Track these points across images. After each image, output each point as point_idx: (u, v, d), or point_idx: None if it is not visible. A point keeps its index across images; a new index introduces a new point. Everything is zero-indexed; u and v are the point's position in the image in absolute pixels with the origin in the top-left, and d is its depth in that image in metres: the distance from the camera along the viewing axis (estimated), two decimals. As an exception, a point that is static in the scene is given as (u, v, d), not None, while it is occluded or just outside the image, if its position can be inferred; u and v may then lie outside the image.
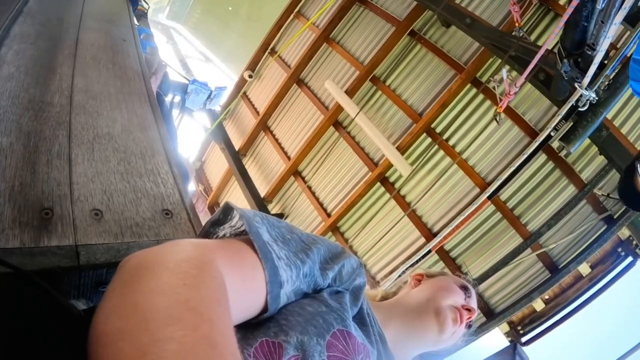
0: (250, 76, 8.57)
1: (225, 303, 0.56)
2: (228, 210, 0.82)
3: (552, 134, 4.04)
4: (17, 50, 1.61)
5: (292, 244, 0.82)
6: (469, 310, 1.19)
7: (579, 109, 3.62)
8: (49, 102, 1.37)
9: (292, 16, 8.20)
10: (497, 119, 4.24)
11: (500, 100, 4.13)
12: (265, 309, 0.74)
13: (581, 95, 3.42)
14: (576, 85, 3.37)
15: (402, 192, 6.05)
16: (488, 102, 5.41)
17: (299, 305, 0.81)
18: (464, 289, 1.27)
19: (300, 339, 0.74)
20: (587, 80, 3.20)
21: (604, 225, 4.54)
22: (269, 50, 8.47)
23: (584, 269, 4.71)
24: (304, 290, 0.82)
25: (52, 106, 1.36)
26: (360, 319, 0.92)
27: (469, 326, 1.22)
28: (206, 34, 18.05)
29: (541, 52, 3.45)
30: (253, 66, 8.61)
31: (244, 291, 0.69)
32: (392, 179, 6.20)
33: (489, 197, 4.80)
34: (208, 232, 0.86)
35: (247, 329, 0.74)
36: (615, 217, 4.47)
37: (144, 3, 4.62)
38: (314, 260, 0.84)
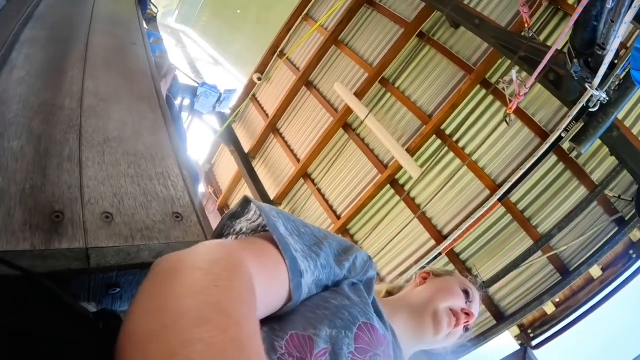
0: (259, 79, 8.60)
1: (254, 304, 0.57)
2: (246, 203, 0.85)
3: (562, 135, 4.00)
4: (28, 55, 1.63)
5: (306, 237, 0.85)
6: (467, 314, 1.21)
7: (590, 110, 3.59)
8: (60, 106, 1.38)
9: (300, 19, 8.23)
10: (507, 120, 4.21)
11: (510, 101, 4.11)
12: (289, 300, 0.75)
13: (592, 96, 3.38)
14: (587, 85, 3.34)
15: (412, 195, 6.03)
16: (498, 104, 5.38)
17: (323, 299, 0.83)
18: (466, 292, 1.28)
19: (329, 332, 0.77)
20: (597, 80, 3.17)
21: (615, 227, 4.49)
22: (277, 52, 8.50)
23: (595, 271, 4.65)
24: (323, 281, 0.85)
25: (63, 109, 1.36)
26: (376, 312, 0.93)
27: (466, 329, 1.25)
28: (215, 37, 18.14)
29: (551, 52, 3.42)
30: (262, 69, 8.65)
31: (270, 286, 0.71)
32: (402, 181, 6.18)
33: (500, 200, 4.78)
34: (225, 225, 0.88)
35: (275, 322, 0.76)
36: (626, 219, 4.42)
37: (153, 7, 4.65)
38: (327, 253, 0.86)
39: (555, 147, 4.30)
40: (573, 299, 4.79)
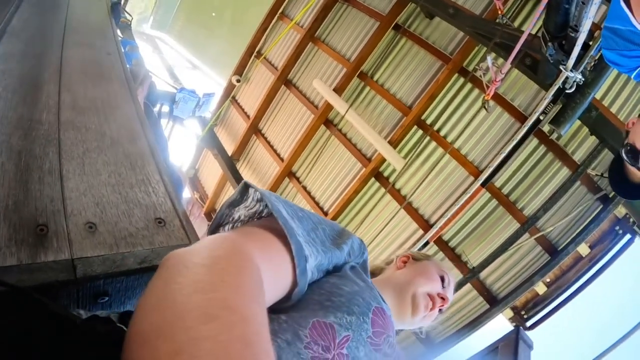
0: (238, 80, 8.58)
1: (262, 298, 0.57)
2: (245, 189, 0.86)
3: (541, 117, 4.07)
4: (4, 70, 1.62)
5: (305, 222, 0.86)
6: (442, 298, 1.28)
7: (567, 91, 3.65)
8: (38, 120, 1.38)
9: (276, 18, 8.23)
10: (486, 106, 4.26)
11: (488, 87, 4.16)
12: (294, 286, 0.76)
13: (567, 77, 3.44)
14: (561, 67, 3.40)
15: (397, 186, 6.08)
16: (476, 91, 5.45)
17: (335, 286, 0.85)
18: (442, 278, 1.35)
19: (348, 319, 0.79)
20: (571, 62, 3.23)
21: (600, 204, 4.58)
22: (255, 53, 8.50)
23: (583, 249, 4.76)
24: (324, 265, 0.87)
25: (41, 124, 1.37)
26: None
27: (440, 311, 1.31)
28: (191, 41, 18.05)
29: (524, 36, 3.48)
30: (240, 70, 8.63)
31: (276, 275, 0.72)
32: (386, 174, 6.22)
33: (483, 184, 4.83)
34: (224, 214, 0.90)
35: (294, 311, 0.77)
36: (610, 196, 4.50)
37: (126, 15, 4.62)
38: (324, 237, 0.89)
39: (535, 130, 4.36)
40: (563, 278, 4.87)
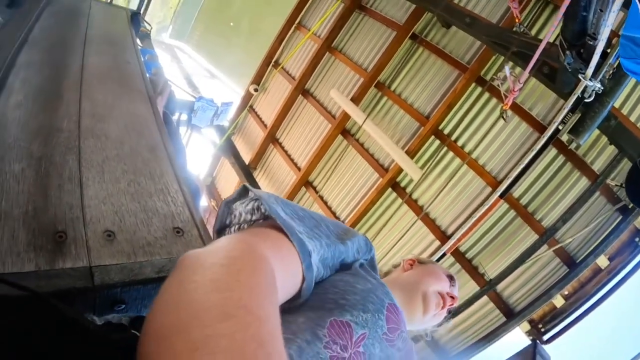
0: (255, 90, 8.64)
1: (275, 298, 0.58)
2: (244, 192, 0.87)
3: (560, 127, 4.02)
4: (24, 79, 1.65)
5: (306, 220, 0.87)
6: (452, 297, 1.31)
7: (586, 100, 3.61)
8: (58, 128, 1.40)
9: (293, 28, 8.29)
10: (504, 116, 4.23)
11: (506, 97, 4.13)
12: (302, 282, 0.78)
13: (586, 86, 3.40)
14: (580, 76, 3.36)
15: (414, 196, 6.04)
16: (494, 100, 5.40)
17: (348, 284, 0.86)
18: (450, 278, 1.38)
19: (364, 317, 0.80)
20: (590, 70, 3.20)
21: (619, 215, 4.50)
22: (272, 63, 8.54)
23: (602, 261, 4.64)
24: (328, 260, 0.88)
25: (61, 131, 1.38)
26: None
27: (449, 312, 1.34)
28: (209, 50, 18.23)
29: (542, 45, 3.44)
30: (258, 80, 8.69)
31: (288, 274, 0.74)
32: (403, 184, 6.19)
33: (501, 196, 4.79)
34: (224, 212, 0.91)
35: (310, 311, 0.78)
36: (630, 207, 4.40)
37: (146, 24, 4.68)
38: (327, 233, 0.90)
39: (554, 140, 4.31)
40: (582, 291, 4.77)
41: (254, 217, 0.89)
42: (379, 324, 0.82)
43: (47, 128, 1.37)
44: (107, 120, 1.60)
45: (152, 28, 4.90)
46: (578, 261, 4.69)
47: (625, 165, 4.42)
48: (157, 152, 1.53)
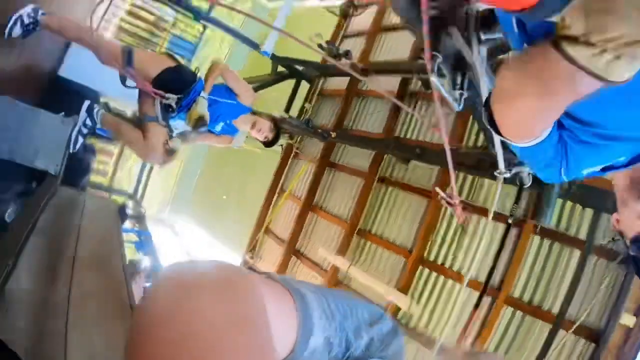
0: (251, 257, 9.00)
1: (271, 343, 0.54)
2: None
3: (510, 221, 4.26)
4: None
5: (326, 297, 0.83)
6: None
7: (525, 186, 3.75)
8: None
9: (276, 194, 8.95)
10: (464, 227, 4.34)
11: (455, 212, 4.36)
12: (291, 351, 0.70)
13: (519, 173, 3.50)
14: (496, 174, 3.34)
15: (412, 325, 6.04)
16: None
17: None
18: None
19: None
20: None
21: (624, 268, 4.35)
22: (263, 229, 8.99)
23: (629, 320, 4.31)
24: (334, 345, 0.79)
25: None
26: None
27: None
28: (207, 223, 19.00)
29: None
30: (252, 247, 9.08)
31: (279, 325, 0.66)
32: (404, 321, 6.14)
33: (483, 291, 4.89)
34: None
35: None
36: (631, 254, 4.15)
37: (141, 209, 5.09)
38: (350, 317, 0.84)
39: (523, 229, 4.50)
40: (622, 358, 4.34)
41: None
42: None
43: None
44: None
45: (145, 211, 5.32)
46: (602, 330, 4.41)
47: (608, 219, 4.40)
48: None
